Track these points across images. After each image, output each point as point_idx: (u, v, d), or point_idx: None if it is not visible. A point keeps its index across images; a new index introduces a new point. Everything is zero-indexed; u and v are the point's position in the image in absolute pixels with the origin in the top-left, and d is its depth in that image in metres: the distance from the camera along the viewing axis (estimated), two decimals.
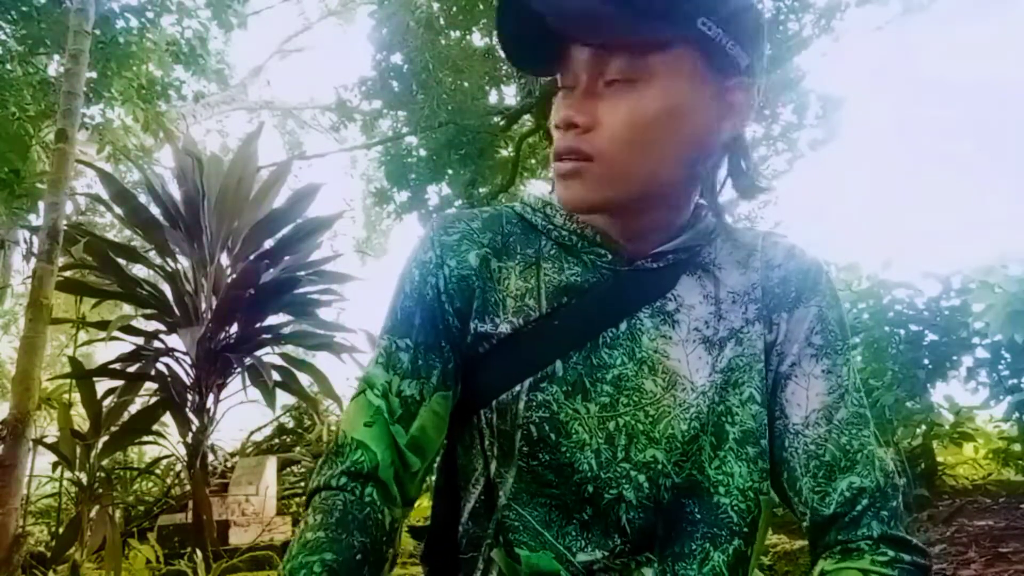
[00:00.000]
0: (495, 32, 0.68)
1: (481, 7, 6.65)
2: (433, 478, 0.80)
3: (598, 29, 0.62)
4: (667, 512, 0.66)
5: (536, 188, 0.82)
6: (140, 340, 3.22)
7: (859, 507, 0.65)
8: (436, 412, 0.71)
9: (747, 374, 0.70)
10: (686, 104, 0.65)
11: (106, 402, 2.90)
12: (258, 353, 3.23)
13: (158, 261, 3.40)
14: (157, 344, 3.22)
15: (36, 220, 5.71)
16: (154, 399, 3.16)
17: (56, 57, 5.63)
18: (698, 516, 0.66)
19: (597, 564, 0.66)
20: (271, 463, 4.45)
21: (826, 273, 0.76)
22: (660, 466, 0.66)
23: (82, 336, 3.84)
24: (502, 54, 0.70)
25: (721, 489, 0.67)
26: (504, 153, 7.55)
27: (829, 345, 0.71)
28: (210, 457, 4.70)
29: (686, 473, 0.66)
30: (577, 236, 0.72)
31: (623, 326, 0.70)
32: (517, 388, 0.68)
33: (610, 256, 0.71)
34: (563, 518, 0.67)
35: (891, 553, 0.63)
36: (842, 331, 0.73)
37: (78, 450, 2.73)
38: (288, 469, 5.23)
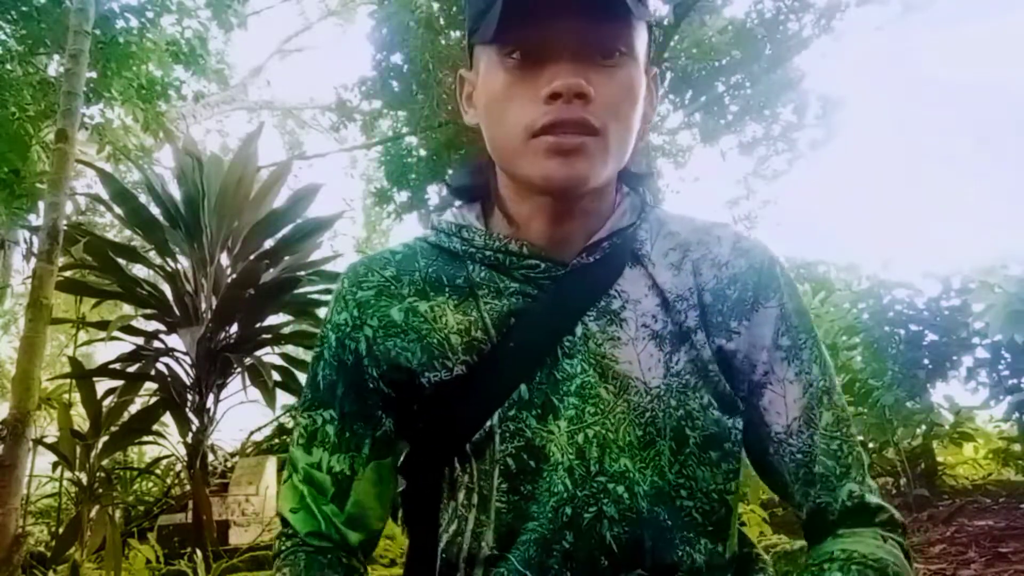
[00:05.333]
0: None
1: None
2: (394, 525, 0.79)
3: (607, 4, 0.59)
4: (649, 522, 0.63)
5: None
6: (140, 340, 3.22)
7: (863, 513, 0.65)
8: (373, 483, 0.68)
9: (703, 379, 0.67)
10: (642, 83, 0.66)
11: (106, 402, 2.90)
12: (258, 353, 3.23)
13: (158, 261, 3.40)
14: (157, 344, 3.23)
15: (36, 220, 5.71)
16: (154, 399, 3.16)
17: (56, 57, 5.62)
18: (669, 523, 0.64)
19: None
20: (271, 463, 4.45)
21: (778, 264, 0.72)
22: (632, 475, 0.63)
23: (82, 336, 3.84)
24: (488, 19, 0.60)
25: (683, 492, 0.64)
26: None
27: (796, 344, 0.69)
28: (210, 457, 4.70)
29: (649, 480, 0.63)
30: (504, 254, 0.68)
31: (579, 331, 0.66)
32: (489, 424, 0.64)
33: (543, 265, 0.67)
34: (543, 552, 0.62)
35: (900, 530, 0.66)
36: (804, 323, 0.70)
37: (78, 450, 2.73)
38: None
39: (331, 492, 0.67)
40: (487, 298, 0.67)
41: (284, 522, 0.70)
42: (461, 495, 0.66)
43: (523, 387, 0.65)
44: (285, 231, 3.45)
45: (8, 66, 5.19)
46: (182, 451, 3.19)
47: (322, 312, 3.53)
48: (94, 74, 5.16)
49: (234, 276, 3.30)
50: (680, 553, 0.64)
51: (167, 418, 3.18)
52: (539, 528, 0.63)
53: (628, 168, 0.70)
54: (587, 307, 0.67)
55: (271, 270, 3.38)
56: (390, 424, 0.69)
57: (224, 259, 3.45)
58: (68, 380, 3.22)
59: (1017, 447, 3.88)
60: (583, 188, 0.64)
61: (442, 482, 0.68)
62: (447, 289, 0.69)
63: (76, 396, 2.95)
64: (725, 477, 0.66)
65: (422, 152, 7.17)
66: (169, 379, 3.08)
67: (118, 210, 3.34)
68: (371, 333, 0.68)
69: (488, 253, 0.68)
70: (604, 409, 0.64)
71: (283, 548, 0.69)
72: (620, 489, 0.63)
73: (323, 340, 0.71)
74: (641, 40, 0.65)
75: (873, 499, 0.66)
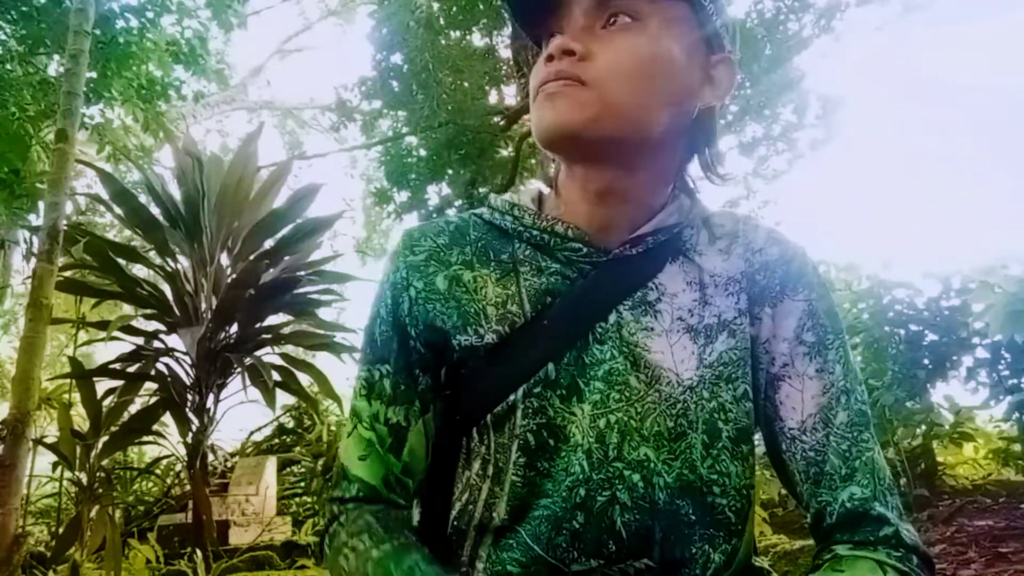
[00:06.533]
0: None
1: (481, 7, 6.64)
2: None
3: None
4: (663, 514, 0.63)
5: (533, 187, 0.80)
6: (140, 340, 3.22)
7: (863, 517, 0.63)
8: (420, 435, 0.70)
9: (740, 369, 0.67)
10: (676, 56, 0.67)
11: (106, 402, 2.90)
12: (258, 353, 3.23)
13: (158, 261, 3.40)
14: (157, 344, 3.23)
15: (36, 220, 5.70)
16: (154, 399, 3.16)
17: (56, 57, 5.62)
18: (693, 517, 0.63)
19: (594, 574, 0.62)
20: (271, 463, 4.45)
21: (811, 262, 0.73)
22: (653, 464, 0.63)
23: (82, 336, 3.84)
24: (506, 6, 0.70)
25: (716, 489, 0.64)
26: (504, 153, 7.54)
27: (821, 341, 0.69)
28: (210, 457, 4.70)
29: (675, 472, 0.64)
30: (549, 234, 0.70)
31: (612, 318, 0.67)
32: (512, 397, 0.66)
33: (585, 249, 0.69)
34: (552, 529, 0.63)
35: (902, 551, 0.62)
36: (834, 323, 0.70)
37: (78, 450, 2.73)
38: (288, 469, 5.24)
39: (388, 443, 0.69)
40: (527, 275, 0.70)
41: (340, 485, 0.70)
42: (476, 465, 0.68)
43: (551, 366, 0.66)
44: (285, 231, 3.45)
45: (8, 66, 5.20)
46: (182, 451, 3.19)
47: (322, 312, 3.54)
48: (94, 74, 5.16)
49: (234, 276, 3.30)
50: (694, 550, 0.63)
51: (167, 418, 3.19)
52: (551, 506, 0.64)
53: (685, 174, 0.74)
54: (623, 297, 0.68)
55: (271, 270, 3.38)
56: (428, 381, 0.72)
57: (224, 259, 3.46)
58: (68, 380, 3.22)
59: (1017, 447, 3.88)
60: (574, 132, 0.65)
61: (459, 452, 0.70)
62: (492, 263, 0.71)
63: (76, 396, 2.95)
64: (751, 472, 0.66)
65: (422, 152, 7.17)
66: (169, 379, 3.09)
67: (118, 210, 3.34)
68: (414, 294, 0.71)
69: (535, 232, 0.70)
70: (631, 397, 0.65)
71: (339, 517, 0.68)
72: (636, 477, 0.63)
73: (380, 299, 0.73)
74: (659, 12, 0.67)
75: (878, 509, 0.63)
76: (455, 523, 0.68)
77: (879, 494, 0.64)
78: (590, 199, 0.70)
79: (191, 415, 3.11)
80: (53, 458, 2.95)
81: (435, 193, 7.39)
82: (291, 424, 5.52)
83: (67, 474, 2.93)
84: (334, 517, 0.69)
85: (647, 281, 0.69)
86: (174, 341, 3.23)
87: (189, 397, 3.12)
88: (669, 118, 0.67)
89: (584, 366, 0.66)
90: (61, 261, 2.83)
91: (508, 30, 7.01)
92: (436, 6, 6.68)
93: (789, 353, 0.69)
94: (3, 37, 5.32)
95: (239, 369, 3.03)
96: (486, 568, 0.65)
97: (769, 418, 0.69)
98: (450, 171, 7.02)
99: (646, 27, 0.66)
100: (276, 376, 3.11)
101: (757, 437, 0.70)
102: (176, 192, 3.44)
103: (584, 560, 0.63)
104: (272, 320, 3.44)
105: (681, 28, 0.68)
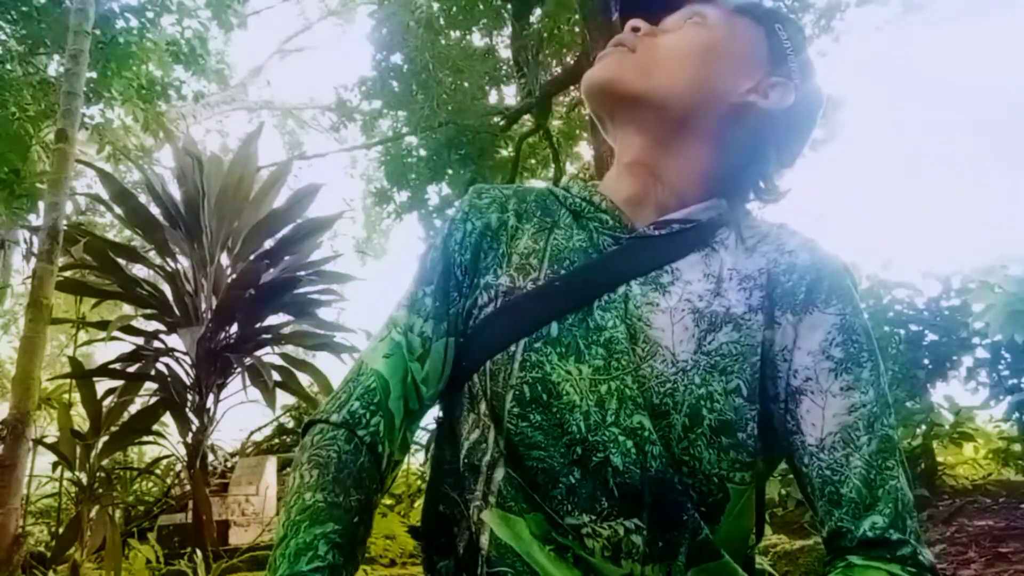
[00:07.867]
0: None
1: (481, 7, 6.65)
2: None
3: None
4: (653, 481, 0.64)
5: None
6: (140, 340, 3.22)
7: (882, 544, 0.63)
8: (440, 356, 0.75)
9: (738, 364, 0.66)
10: (729, 56, 0.75)
11: (106, 402, 2.90)
12: (258, 353, 3.23)
13: (158, 261, 3.40)
14: (157, 344, 3.23)
15: (36, 220, 5.71)
16: (154, 399, 3.16)
17: (56, 57, 5.63)
18: (679, 488, 0.65)
19: (585, 528, 0.64)
20: (271, 463, 4.46)
21: (849, 276, 0.71)
22: (647, 433, 0.65)
23: (82, 336, 3.85)
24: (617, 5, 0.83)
25: (684, 469, 0.65)
26: (504, 153, 7.55)
27: (851, 358, 0.67)
28: (210, 457, 4.71)
29: (658, 447, 0.65)
30: (586, 202, 0.76)
31: (621, 290, 0.70)
32: (512, 348, 0.69)
33: (612, 222, 0.74)
34: (549, 481, 0.65)
35: (915, 570, 0.62)
36: (868, 342, 0.68)
37: (78, 450, 2.73)
38: (288, 469, 5.23)
39: (418, 353, 0.74)
40: (558, 237, 0.75)
41: (356, 377, 0.74)
42: (482, 406, 0.70)
43: (554, 325, 0.69)
44: (285, 231, 3.45)
45: (8, 66, 5.20)
46: (182, 451, 3.19)
47: (322, 312, 3.54)
48: (94, 74, 5.17)
49: (234, 276, 3.30)
50: (685, 517, 0.65)
51: (167, 418, 3.19)
52: (548, 459, 0.66)
53: (734, 186, 0.77)
54: (636, 273, 0.71)
55: (271, 270, 3.38)
56: (459, 308, 0.76)
57: (224, 259, 3.46)
58: (68, 380, 3.22)
59: (1017, 447, 3.88)
60: (608, 84, 0.75)
61: (463, 397, 0.73)
62: (535, 219, 0.78)
63: (76, 396, 2.95)
64: (730, 465, 0.66)
65: (422, 152, 7.17)
66: (169, 379, 3.08)
67: (118, 210, 3.34)
68: (470, 228, 0.78)
69: (578, 200, 0.77)
70: (628, 366, 0.67)
71: (330, 418, 0.72)
72: (629, 443, 0.65)
73: (439, 232, 0.81)
74: (730, 20, 0.77)
75: (896, 536, 0.62)
76: (466, 460, 0.70)
77: (897, 520, 0.63)
78: (622, 171, 0.77)
79: (191, 415, 3.11)
80: (53, 458, 2.95)
81: (435, 193, 7.39)
82: (291, 424, 5.52)
83: (67, 474, 2.93)
84: (319, 420, 0.73)
85: (664, 264, 0.71)
86: (174, 341, 3.23)
87: (189, 397, 3.12)
88: (702, 102, 0.74)
89: (587, 330, 0.69)
90: (61, 261, 2.84)
91: (508, 30, 7.02)
92: (436, 6, 6.68)
93: (813, 367, 0.67)
94: (3, 37, 5.32)
95: (239, 369, 3.03)
96: (498, 503, 0.67)
97: (789, 431, 0.68)
98: (450, 171, 7.02)
99: (711, 26, 0.76)
100: (276, 376, 3.11)
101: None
102: (176, 192, 3.44)
103: (577, 515, 0.65)
104: (272, 320, 3.44)
105: (746, 38, 0.77)
